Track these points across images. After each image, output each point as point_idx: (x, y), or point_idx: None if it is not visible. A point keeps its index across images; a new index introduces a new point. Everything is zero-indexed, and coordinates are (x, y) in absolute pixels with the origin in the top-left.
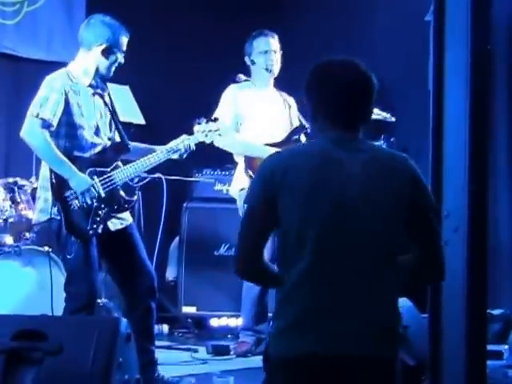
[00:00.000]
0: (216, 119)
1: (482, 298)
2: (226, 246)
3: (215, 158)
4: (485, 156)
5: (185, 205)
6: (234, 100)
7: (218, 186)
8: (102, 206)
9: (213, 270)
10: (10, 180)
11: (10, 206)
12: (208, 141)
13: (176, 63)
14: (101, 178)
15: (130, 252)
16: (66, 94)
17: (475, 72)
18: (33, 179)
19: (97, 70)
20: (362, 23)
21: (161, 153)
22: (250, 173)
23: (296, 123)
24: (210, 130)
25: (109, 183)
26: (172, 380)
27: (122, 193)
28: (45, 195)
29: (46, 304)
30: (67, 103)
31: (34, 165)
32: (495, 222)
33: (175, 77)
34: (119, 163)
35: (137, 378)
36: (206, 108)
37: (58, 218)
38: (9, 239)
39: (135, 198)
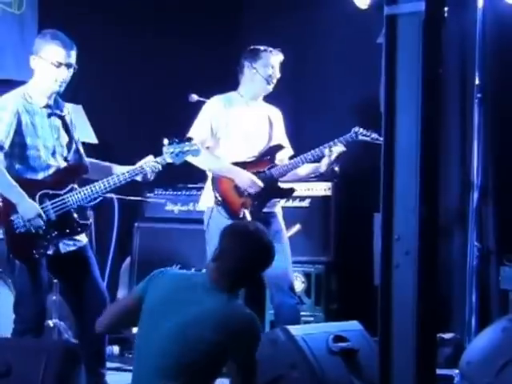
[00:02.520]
0: (190, 139)
1: (432, 322)
2: (178, 266)
3: (167, 178)
4: (436, 179)
5: (136, 225)
6: (215, 114)
7: (170, 206)
8: (51, 230)
9: None
10: None
11: None
12: (178, 162)
13: (130, 82)
14: (53, 201)
15: (82, 273)
16: (19, 114)
17: (426, 97)
18: None
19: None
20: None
21: (122, 175)
22: (216, 194)
23: (276, 141)
24: (180, 151)
25: (61, 206)
26: None
27: (75, 216)
28: None
29: None
30: (19, 123)
31: None
32: (447, 245)
33: (129, 96)
34: (75, 185)
35: None
36: (161, 127)
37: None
38: None
39: (90, 221)
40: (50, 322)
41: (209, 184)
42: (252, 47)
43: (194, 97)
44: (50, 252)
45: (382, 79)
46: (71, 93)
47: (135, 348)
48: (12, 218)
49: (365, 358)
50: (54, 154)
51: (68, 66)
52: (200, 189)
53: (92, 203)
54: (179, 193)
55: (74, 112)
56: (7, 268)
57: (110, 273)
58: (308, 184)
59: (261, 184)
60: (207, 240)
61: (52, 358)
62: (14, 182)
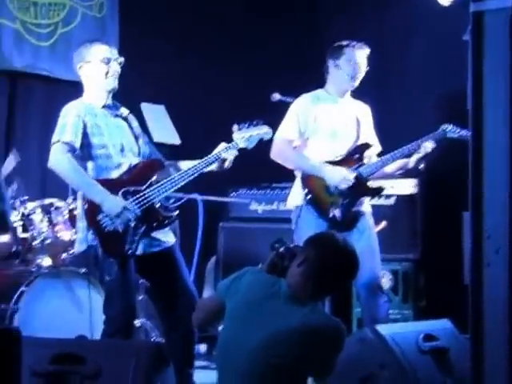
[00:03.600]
0: (259, 122)
1: None
2: (261, 265)
3: (251, 178)
4: None
5: (221, 225)
6: (303, 111)
7: (254, 206)
8: (140, 224)
9: None
10: (47, 202)
11: (47, 228)
12: (250, 146)
13: (212, 82)
14: (135, 197)
15: (170, 273)
16: (83, 117)
17: None
18: (69, 200)
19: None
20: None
21: (197, 165)
22: (306, 193)
23: (364, 139)
24: (251, 136)
25: (144, 201)
26: None
27: (159, 209)
28: (82, 224)
29: (85, 326)
30: (85, 125)
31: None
32: None
33: (210, 96)
34: (153, 180)
35: None
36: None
37: (95, 243)
38: (47, 260)
39: (175, 213)
40: (137, 322)
41: (297, 183)
42: (336, 44)
43: (276, 96)
44: (138, 252)
45: (469, 76)
46: (153, 93)
47: (218, 348)
48: (99, 217)
49: (456, 357)
50: (122, 151)
51: (115, 60)
52: (284, 188)
53: (176, 204)
54: (263, 192)
55: (157, 112)
56: (98, 271)
57: (196, 272)
58: (393, 181)
59: (352, 178)
60: (295, 239)
61: (141, 359)
62: (94, 182)
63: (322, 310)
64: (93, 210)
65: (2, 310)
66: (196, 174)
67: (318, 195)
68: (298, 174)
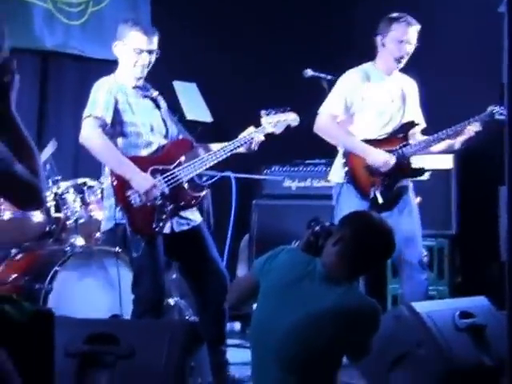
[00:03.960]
0: (286, 109)
1: None
2: (296, 243)
3: (284, 155)
4: None
5: (254, 202)
6: (352, 87)
7: (287, 183)
8: (167, 203)
9: None
10: (80, 181)
11: (80, 207)
12: (278, 131)
13: (243, 58)
14: (164, 176)
15: (199, 252)
16: (115, 94)
17: None
18: (102, 179)
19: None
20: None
21: (226, 146)
22: (347, 171)
23: (410, 116)
24: (278, 121)
25: (172, 180)
26: (244, 380)
27: (187, 189)
28: (109, 203)
29: (117, 306)
30: (116, 102)
31: (103, 164)
32: None
33: (243, 72)
34: (182, 160)
35: (209, 381)
36: (276, 103)
37: (123, 221)
38: (80, 240)
39: (202, 193)
40: (171, 301)
41: (339, 159)
42: (386, 17)
43: (309, 72)
44: (166, 231)
45: (504, 48)
46: (185, 71)
47: (252, 328)
48: (127, 193)
49: (493, 334)
50: (152, 130)
51: (149, 52)
52: (317, 165)
53: (209, 182)
54: (296, 169)
55: (189, 90)
56: (126, 249)
57: (229, 251)
58: (428, 156)
59: (393, 163)
60: (335, 216)
61: (175, 338)
62: (124, 158)
63: (357, 290)
64: (122, 186)
65: (36, 289)
66: (224, 156)
67: (359, 175)
68: (341, 150)
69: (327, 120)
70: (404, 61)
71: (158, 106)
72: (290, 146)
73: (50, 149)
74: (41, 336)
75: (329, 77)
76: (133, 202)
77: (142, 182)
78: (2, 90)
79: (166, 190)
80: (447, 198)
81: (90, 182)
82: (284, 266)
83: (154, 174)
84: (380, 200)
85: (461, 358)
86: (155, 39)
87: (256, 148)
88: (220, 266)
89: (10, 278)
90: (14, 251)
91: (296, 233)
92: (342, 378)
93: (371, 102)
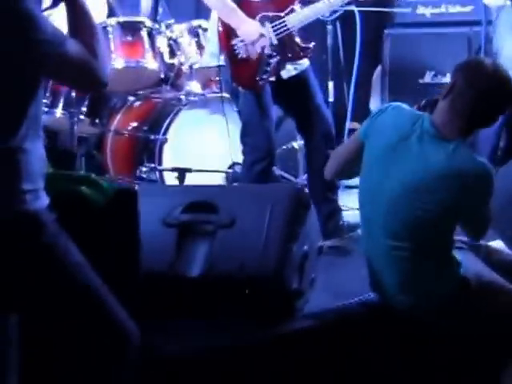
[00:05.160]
0: None
1: None
2: (432, 74)
3: None
4: None
5: (386, 32)
6: None
7: (421, 10)
8: (274, 54)
9: (417, 98)
10: (194, 24)
11: (196, 52)
12: None
13: None
14: (273, 24)
15: (305, 98)
16: None
17: None
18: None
19: None
20: None
21: None
22: None
23: None
24: None
25: (282, 29)
26: (359, 225)
27: (297, 39)
28: (215, 38)
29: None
30: None
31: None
32: None
33: None
34: (295, 6)
35: (318, 246)
36: None
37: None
38: (195, 86)
39: (312, 44)
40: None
41: None
42: None
43: None
44: (272, 78)
45: None
46: None
47: (359, 192)
48: (233, 42)
49: None
50: None
51: None
52: None
53: (332, 17)
54: None
55: None
56: (232, 97)
57: (357, 83)
58: None
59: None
60: (494, 48)
61: (279, 205)
62: (233, 5)
63: (467, 149)
64: (227, 34)
65: (151, 140)
66: (340, 3)
67: None
68: None
69: None
70: None
71: None
72: None
73: None
74: (123, 214)
75: None
76: (237, 51)
77: (248, 30)
78: None
79: (275, 40)
80: None
81: (205, 23)
82: (390, 124)
83: (263, 21)
84: None
85: None
86: None
87: None
88: (325, 113)
89: (130, 127)
90: (131, 99)
91: (431, 63)
92: None
93: None
